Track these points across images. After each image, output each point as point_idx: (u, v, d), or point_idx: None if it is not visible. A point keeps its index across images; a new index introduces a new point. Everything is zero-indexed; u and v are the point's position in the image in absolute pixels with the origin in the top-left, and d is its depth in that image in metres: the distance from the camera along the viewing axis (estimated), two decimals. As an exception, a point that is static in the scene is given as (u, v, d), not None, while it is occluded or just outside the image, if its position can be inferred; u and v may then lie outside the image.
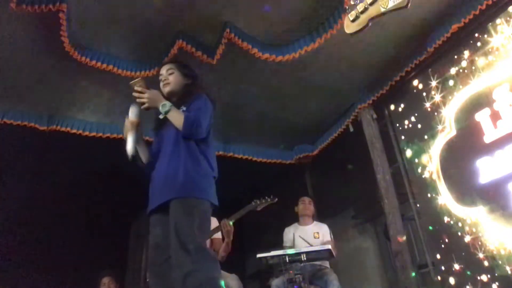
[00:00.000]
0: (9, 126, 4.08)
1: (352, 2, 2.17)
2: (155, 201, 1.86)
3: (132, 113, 2.00)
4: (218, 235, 3.22)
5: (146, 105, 1.95)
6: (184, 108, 1.98)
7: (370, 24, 2.12)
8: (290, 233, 3.82)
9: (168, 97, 2.04)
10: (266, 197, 3.40)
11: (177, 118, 1.90)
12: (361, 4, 2.10)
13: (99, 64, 3.55)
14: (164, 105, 1.92)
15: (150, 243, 1.87)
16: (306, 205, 3.93)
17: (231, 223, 3.12)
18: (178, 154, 1.87)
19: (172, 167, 1.84)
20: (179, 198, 1.77)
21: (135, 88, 1.96)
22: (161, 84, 2.10)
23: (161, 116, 1.97)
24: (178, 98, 2.05)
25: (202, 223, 1.77)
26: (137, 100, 1.96)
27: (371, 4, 2.04)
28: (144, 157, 2.04)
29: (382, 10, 1.99)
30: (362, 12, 2.09)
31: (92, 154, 4.74)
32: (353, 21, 2.15)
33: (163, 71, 2.12)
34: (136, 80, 1.99)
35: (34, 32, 3.31)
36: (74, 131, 4.38)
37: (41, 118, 4.25)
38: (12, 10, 2.90)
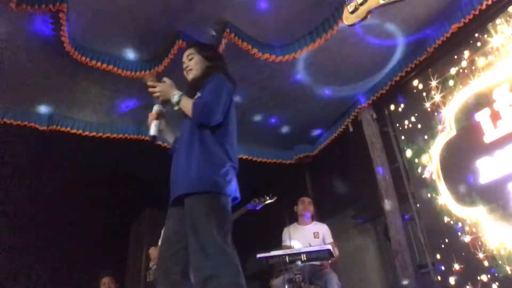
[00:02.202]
0: (9, 126, 4.08)
1: None
2: (172, 194, 1.78)
3: (155, 109, 1.98)
4: None
5: (160, 98, 1.90)
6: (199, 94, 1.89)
7: (368, 16, 2.09)
8: (289, 232, 3.81)
9: (193, 83, 1.96)
10: (265, 196, 3.40)
11: (187, 106, 1.81)
12: None
13: (99, 64, 3.55)
14: (174, 96, 1.85)
15: (162, 236, 1.82)
16: (305, 206, 3.92)
17: None
18: (192, 145, 1.78)
19: (187, 159, 1.75)
20: (193, 194, 1.68)
21: (148, 83, 1.92)
22: (184, 72, 2.02)
23: (175, 108, 1.88)
24: (201, 83, 1.95)
25: (221, 221, 1.65)
26: (153, 95, 1.91)
27: None
28: (171, 140, 2.02)
29: (381, 2, 1.98)
30: (361, 4, 2.07)
31: (92, 154, 4.74)
32: (352, 12, 2.13)
33: (184, 57, 2.04)
34: (148, 75, 1.98)
35: (34, 32, 3.31)
36: (74, 131, 4.38)
37: (41, 118, 4.25)
38: (12, 10, 2.90)
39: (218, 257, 1.56)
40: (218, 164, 1.75)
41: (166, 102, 1.92)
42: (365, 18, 2.11)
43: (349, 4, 2.13)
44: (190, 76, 2.00)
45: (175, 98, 1.84)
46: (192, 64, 2.00)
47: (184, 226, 1.71)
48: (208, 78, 1.92)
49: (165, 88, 1.89)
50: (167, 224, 1.80)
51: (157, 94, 1.89)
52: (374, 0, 2.01)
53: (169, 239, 1.76)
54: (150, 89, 1.91)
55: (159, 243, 3.63)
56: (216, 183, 1.70)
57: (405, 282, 3.84)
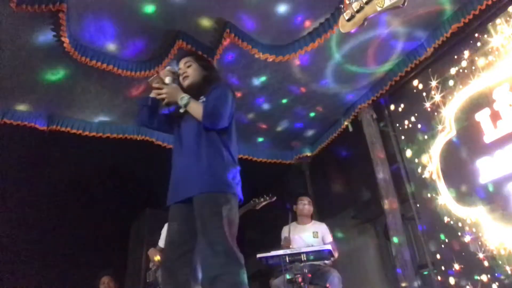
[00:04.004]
0: (9, 126, 4.08)
1: (347, 1, 2.13)
2: (177, 194, 1.81)
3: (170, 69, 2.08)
4: None
5: (166, 100, 1.97)
6: (204, 99, 1.96)
7: (365, 23, 2.08)
8: (289, 229, 3.80)
9: (189, 89, 2.03)
10: (265, 196, 3.40)
11: (196, 109, 1.89)
12: (356, 3, 2.06)
13: (99, 64, 3.55)
14: (183, 98, 1.93)
15: (166, 239, 1.83)
16: (305, 205, 3.92)
17: None
18: (200, 147, 1.83)
19: (195, 160, 1.80)
20: (203, 193, 1.72)
21: (153, 85, 1.99)
22: (181, 78, 2.09)
23: (181, 110, 1.96)
24: (197, 90, 2.03)
25: (231, 221, 1.71)
26: (157, 97, 1.99)
27: (367, 3, 2.00)
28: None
29: (379, 9, 1.96)
30: (357, 11, 2.05)
31: (92, 154, 4.74)
32: (348, 20, 2.11)
33: (181, 64, 2.12)
34: (153, 77, 2.03)
35: (34, 32, 3.31)
36: (74, 131, 4.37)
37: (41, 118, 4.25)
38: (12, 10, 2.89)
39: (227, 256, 1.61)
40: (228, 166, 1.84)
41: (170, 104, 2.00)
42: (362, 25, 2.09)
43: (345, 12, 2.12)
44: (186, 82, 2.07)
45: (184, 100, 1.92)
46: (190, 71, 2.08)
47: (191, 228, 1.73)
48: (211, 85, 2.01)
49: (172, 91, 1.97)
50: (172, 225, 1.82)
51: (163, 95, 1.96)
52: (371, 7, 1.98)
53: (174, 241, 1.78)
54: (156, 91, 1.98)
55: (159, 243, 3.65)
56: (228, 184, 1.78)
57: (404, 283, 3.84)
